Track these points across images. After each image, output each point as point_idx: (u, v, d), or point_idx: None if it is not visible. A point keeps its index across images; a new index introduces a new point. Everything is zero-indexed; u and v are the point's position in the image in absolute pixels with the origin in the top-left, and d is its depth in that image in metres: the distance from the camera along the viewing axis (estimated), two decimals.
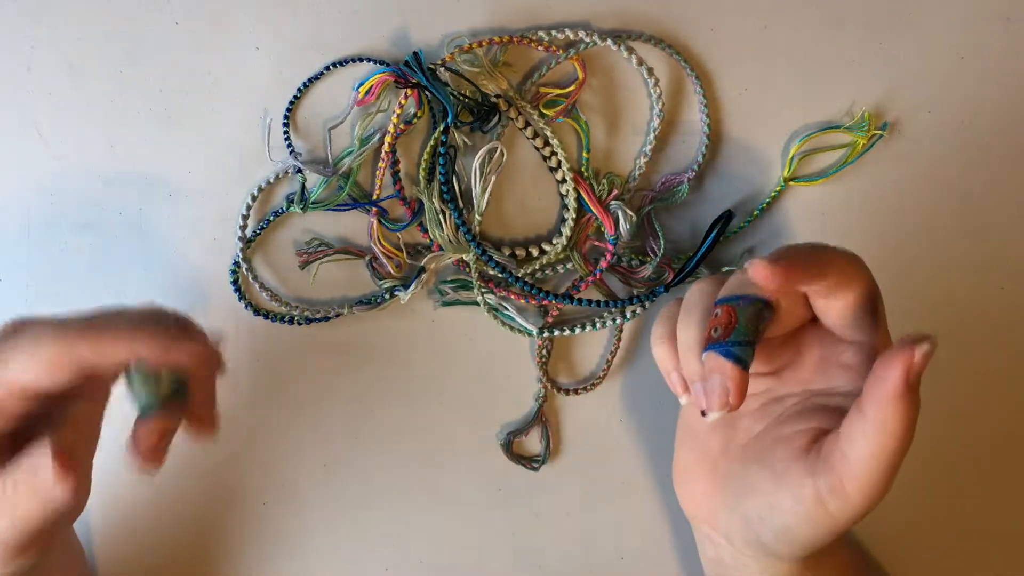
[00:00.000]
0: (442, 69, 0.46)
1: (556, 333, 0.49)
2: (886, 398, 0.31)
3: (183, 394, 0.34)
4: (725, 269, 0.49)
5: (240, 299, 0.48)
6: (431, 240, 0.48)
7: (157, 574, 0.49)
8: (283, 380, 0.49)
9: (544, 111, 0.47)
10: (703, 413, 0.34)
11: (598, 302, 0.48)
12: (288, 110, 0.47)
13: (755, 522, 0.37)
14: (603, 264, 0.48)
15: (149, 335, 0.32)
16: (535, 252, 0.48)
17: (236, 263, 0.48)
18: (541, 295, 0.48)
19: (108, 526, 0.48)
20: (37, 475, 0.32)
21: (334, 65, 0.47)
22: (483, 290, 0.48)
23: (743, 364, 0.33)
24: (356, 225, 0.48)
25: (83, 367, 0.32)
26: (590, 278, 0.48)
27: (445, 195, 0.47)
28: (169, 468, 0.49)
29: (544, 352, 0.49)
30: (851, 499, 0.33)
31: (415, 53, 0.46)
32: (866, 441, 0.32)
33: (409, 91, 0.46)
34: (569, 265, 0.49)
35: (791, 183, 0.49)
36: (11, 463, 0.33)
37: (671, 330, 0.37)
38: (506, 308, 0.48)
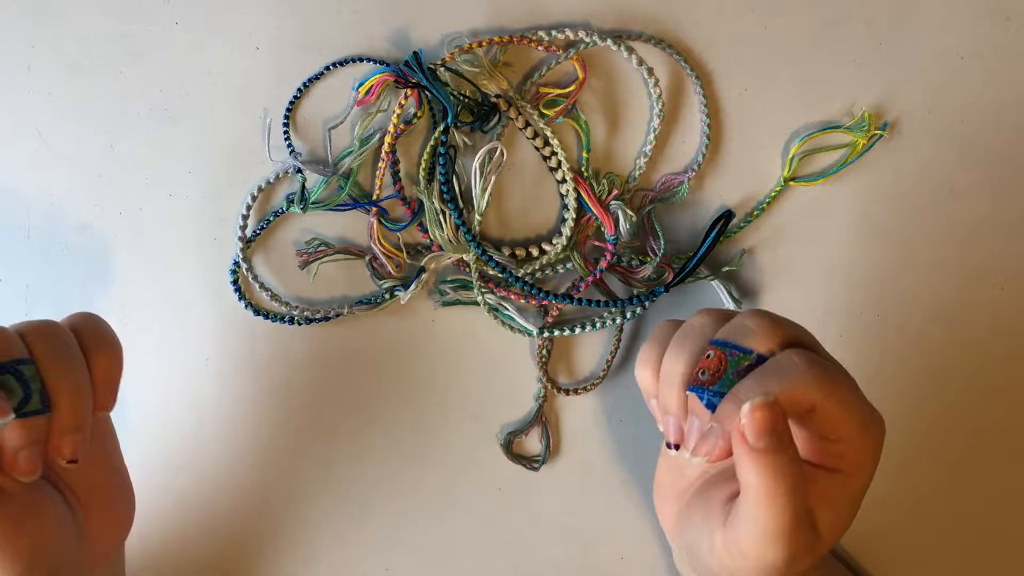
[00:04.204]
0: (442, 69, 0.46)
1: (556, 333, 0.49)
2: (739, 461, 0.31)
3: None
4: (725, 269, 0.49)
5: (240, 299, 0.48)
6: (431, 240, 0.48)
7: (157, 573, 0.49)
8: (283, 380, 0.49)
9: (544, 111, 0.47)
10: (669, 445, 0.34)
11: (598, 302, 0.48)
12: (288, 110, 0.47)
13: (689, 553, 0.37)
14: (603, 264, 0.48)
15: None
16: (535, 252, 0.48)
17: (236, 263, 0.48)
18: (541, 295, 0.48)
19: None
20: None
21: (334, 65, 0.47)
22: (483, 290, 0.48)
23: None
24: (356, 225, 0.48)
25: None
26: (590, 278, 0.48)
27: (445, 195, 0.47)
28: (169, 466, 0.49)
29: (544, 352, 0.49)
30: (746, 555, 0.32)
31: (415, 53, 0.46)
32: (744, 503, 0.32)
33: (409, 91, 0.46)
34: (569, 265, 0.49)
35: (791, 183, 0.49)
36: None
37: (658, 355, 0.37)
38: (506, 308, 0.48)
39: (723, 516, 0.34)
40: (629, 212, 0.47)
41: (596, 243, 0.48)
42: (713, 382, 0.33)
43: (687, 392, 0.34)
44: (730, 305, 0.49)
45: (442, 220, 0.47)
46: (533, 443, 0.50)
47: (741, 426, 0.30)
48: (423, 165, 0.47)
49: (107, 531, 0.39)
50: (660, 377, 0.36)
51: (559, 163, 0.48)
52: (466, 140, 0.47)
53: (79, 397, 0.35)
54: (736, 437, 0.31)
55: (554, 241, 0.48)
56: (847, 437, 0.32)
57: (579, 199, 0.48)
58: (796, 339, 0.34)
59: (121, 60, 0.47)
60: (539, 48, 0.47)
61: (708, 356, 0.34)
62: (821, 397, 0.31)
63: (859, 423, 0.32)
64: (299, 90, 0.47)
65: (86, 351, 0.36)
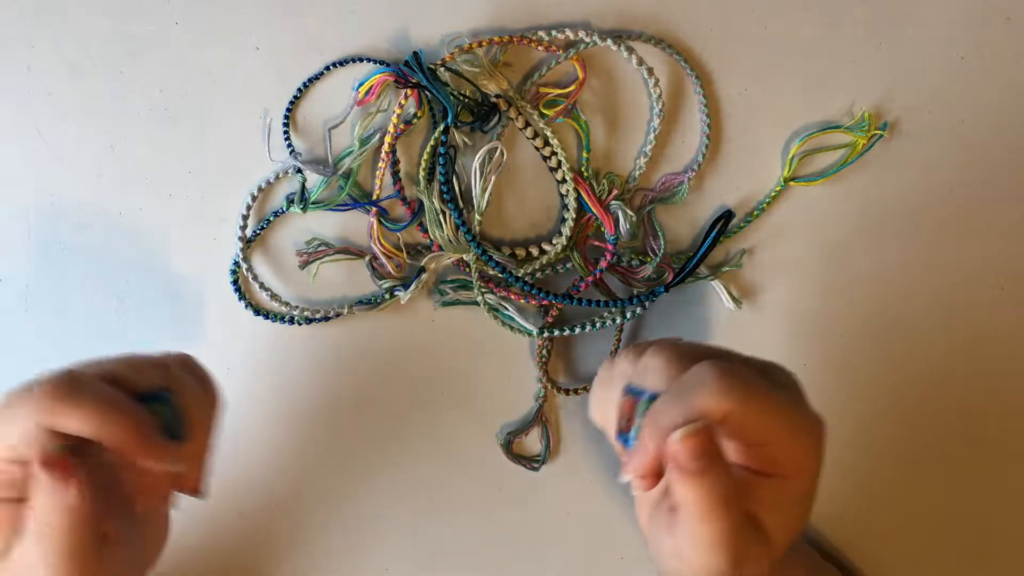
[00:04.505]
0: (442, 69, 0.46)
1: (556, 333, 0.49)
2: (673, 481, 0.33)
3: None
4: (725, 269, 0.49)
5: (240, 299, 0.48)
6: (431, 240, 0.48)
7: (156, 571, 0.49)
8: (283, 380, 0.49)
9: (544, 111, 0.47)
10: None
11: (598, 302, 0.48)
12: (288, 110, 0.47)
13: (657, 559, 0.38)
14: (603, 264, 0.48)
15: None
16: (535, 252, 0.48)
17: (236, 263, 0.48)
18: (541, 295, 0.48)
19: None
20: (42, 491, 0.32)
21: (334, 65, 0.47)
22: (483, 290, 0.48)
23: None
24: (356, 225, 0.48)
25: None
26: (590, 278, 0.48)
27: (445, 195, 0.47)
28: None
29: (544, 352, 0.49)
30: (692, 564, 0.34)
31: (415, 53, 0.46)
32: (683, 517, 0.33)
33: (409, 91, 0.46)
34: (569, 265, 0.49)
35: (791, 183, 0.49)
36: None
37: (596, 399, 0.41)
38: (506, 308, 0.48)
39: (673, 524, 0.35)
40: (629, 212, 0.47)
41: (596, 243, 0.48)
42: (628, 428, 0.36)
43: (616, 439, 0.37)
44: (730, 305, 0.49)
45: (442, 220, 0.47)
46: (533, 443, 0.50)
47: (671, 452, 0.32)
48: (423, 165, 0.47)
49: (152, 561, 0.40)
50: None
51: (559, 163, 0.48)
52: (466, 140, 0.47)
53: (211, 431, 0.37)
54: (668, 462, 0.32)
55: (554, 241, 0.48)
56: (773, 441, 0.33)
57: (579, 199, 0.48)
58: (704, 359, 0.35)
59: (121, 60, 0.47)
60: (539, 48, 0.47)
61: (621, 403, 0.36)
62: (732, 406, 0.32)
63: (781, 427, 0.33)
64: (299, 90, 0.47)
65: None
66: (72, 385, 0.33)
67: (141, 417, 0.33)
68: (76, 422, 0.32)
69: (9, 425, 0.32)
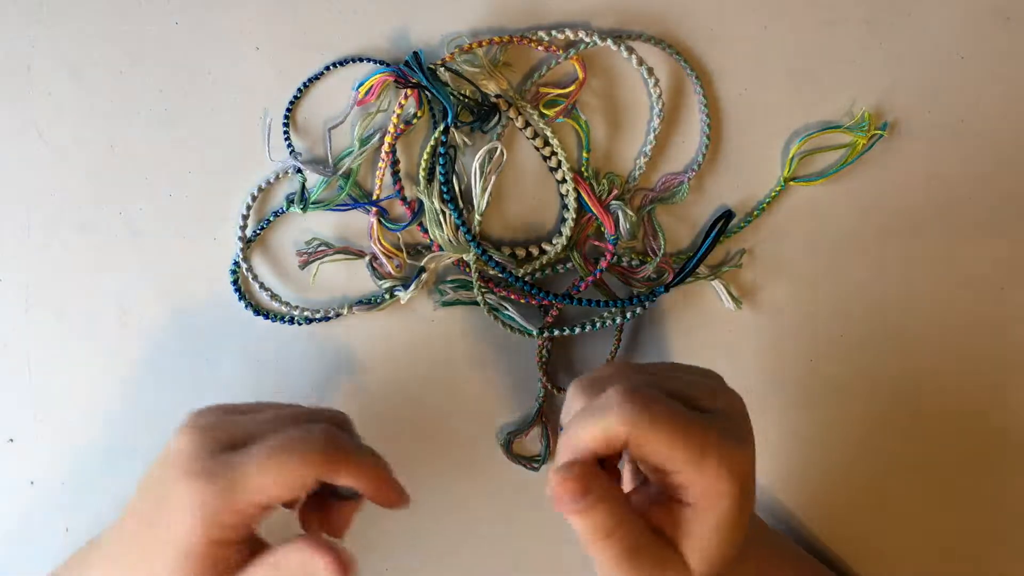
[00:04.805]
0: (442, 69, 0.46)
1: (556, 333, 0.49)
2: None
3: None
4: (725, 269, 0.49)
5: (240, 299, 0.48)
6: (431, 240, 0.48)
7: None
8: (283, 380, 0.49)
9: (544, 111, 0.47)
10: None
11: (598, 302, 0.48)
12: (288, 110, 0.47)
13: None
14: (603, 264, 0.48)
15: (367, 467, 0.37)
16: (535, 252, 0.48)
17: (236, 263, 0.48)
18: (541, 295, 0.48)
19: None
20: (309, 570, 0.34)
21: (334, 65, 0.47)
22: (483, 290, 0.48)
23: None
24: (356, 225, 0.48)
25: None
26: (590, 278, 0.48)
27: (445, 195, 0.47)
28: None
29: (544, 352, 0.49)
30: None
31: (415, 53, 0.46)
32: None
33: (409, 91, 0.46)
34: (569, 265, 0.49)
35: (791, 183, 0.49)
36: (271, 553, 0.35)
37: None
38: (506, 308, 0.48)
39: None
40: (629, 212, 0.47)
41: (596, 243, 0.48)
42: None
43: None
44: (730, 305, 0.49)
45: (442, 220, 0.47)
46: (533, 443, 0.50)
47: (551, 493, 0.33)
48: (423, 165, 0.47)
49: None
50: None
51: (559, 163, 0.48)
52: (466, 140, 0.47)
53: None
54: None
55: (554, 241, 0.48)
56: (680, 470, 0.33)
57: (579, 199, 0.48)
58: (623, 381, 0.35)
59: (121, 60, 0.47)
60: (539, 48, 0.47)
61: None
62: (631, 431, 0.32)
63: (684, 456, 0.33)
64: (299, 90, 0.47)
65: None
66: (343, 444, 0.36)
67: (387, 471, 0.37)
68: (351, 479, 0.36)
69: (282, 474, 0.34)
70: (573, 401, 0.36)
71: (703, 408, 0.34)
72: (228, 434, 0.36)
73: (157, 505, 0.35)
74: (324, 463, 0.35)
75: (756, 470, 0.35)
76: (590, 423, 0.33)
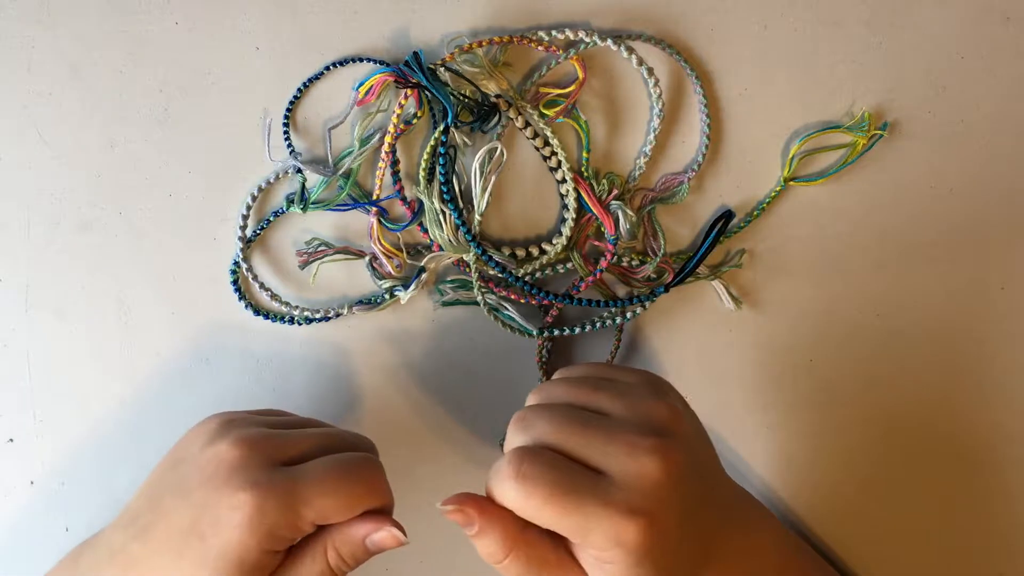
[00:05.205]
0: (442, 69, 0.46)
1: (556, 333, 0.49)
2: None
3: None
4: (725, 269, 0.49)
5: (240, 299, 0.48)
6: (431, 240, 0.48)
7: None
8: (283, 380, 0.49)
9: (544, 111, 0.47)
10: None
11: (598, 302, 0.48)
12: (288, 110, 0.47)
13: None
14: (603, 264, 0.48)
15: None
16: (535, 252, 0.48)
17: (236, 263, 0.48)
18: (541, 295, 0.48)
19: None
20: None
21: (334, 65, 0.47)
22: (483, 290, 0.48)
23: None
24: (356, 225, 0.48)
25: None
26: (590, 278, 0.48)
27: (445, 195, 0.47)
28: None
29: (544, 352, 0.49)
30: None
31: (415, 53, 0.46)
32: None
33: (409, 91, 0.46)
34: (569, 265, 0.49)
35: (791, 183, 0.49)
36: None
37: None
38: (506, 308, 0.48)
39: None
40: (629, 212, 0.47)
41: (596, 243, 0.48)
42: None
43: None
44: (730, 305, 0.49)
45: (442, 220, 0.47)
46: None
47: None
48: (423, 165, 0.47)
49: None
50: None
51: (559, 163, 0.48)
52: (466, 140, 0.47)
53: None
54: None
55: (554, 241, 0.48)
56: (569, 538, 0.35)
57: (579, 199, 0.48)
58: (536, 438, 0.36)
59: (121, 60, 0.47)
60: (539, 48, 0.47)
61: None
62: (522, 511, 0.34)
63: (571, 532, 0.34)
64: (299, 90, 0.47)
65: None
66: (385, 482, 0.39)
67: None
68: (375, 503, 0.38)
69: (341, 498, 0.36)
70: (509, 437, 0.37)
71: (604, 467, 0.34)
72: (279, 450, 0.37)
73: (201, 512, 0.35)
74: (381, 496, 0.37)
75: (699, 489, 0.36)
76: (494, 489, 0.35)
